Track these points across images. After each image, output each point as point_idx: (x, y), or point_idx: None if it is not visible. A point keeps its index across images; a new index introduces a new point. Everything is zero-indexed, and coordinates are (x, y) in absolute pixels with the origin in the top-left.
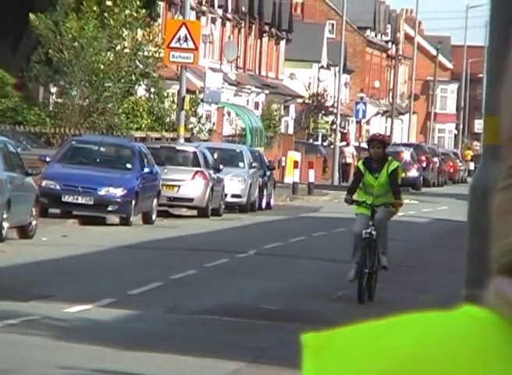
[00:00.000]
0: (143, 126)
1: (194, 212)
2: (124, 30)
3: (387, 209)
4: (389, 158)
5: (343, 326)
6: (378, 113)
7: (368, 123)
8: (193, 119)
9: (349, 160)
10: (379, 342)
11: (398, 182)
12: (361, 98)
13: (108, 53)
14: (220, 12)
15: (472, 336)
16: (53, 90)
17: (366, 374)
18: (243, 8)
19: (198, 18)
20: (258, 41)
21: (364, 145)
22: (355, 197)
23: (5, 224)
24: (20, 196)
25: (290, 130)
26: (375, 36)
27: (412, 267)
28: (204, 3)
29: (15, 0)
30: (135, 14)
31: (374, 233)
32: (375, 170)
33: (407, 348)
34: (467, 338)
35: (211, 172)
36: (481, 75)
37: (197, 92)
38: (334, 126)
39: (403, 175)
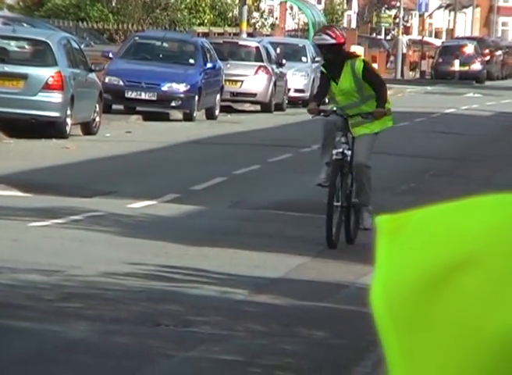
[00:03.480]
0: (205, 21)
1: (257, 107)
2: None
3: (367, 141)
4: (349, 59)
5: (416, 209)
6: (441, 6)
7: (430, 16)
8: (255, 14)
9: (404, 50)
10: (454, 223)
11: (379, 82)
12: None
13: None
14: None
15: None
16: None
17: (440, 255)
18: None
19: None
20: None
21: (428, 39)
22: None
23: (69, 120)
24: (84, 92)
25: (353, 25)
26: None
27: (476, 160)
28: None
29: None
30: None
31: (348, 153)
32: (336, 76)
33: (482, 228)
34: None
35: (274, 67)
36: None
37: None
38: (397, 20)
39: (467, 68)
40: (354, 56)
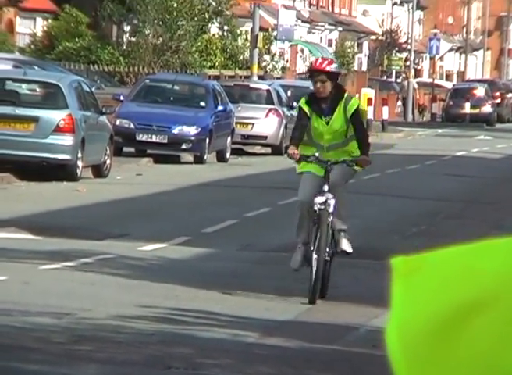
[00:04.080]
0: (216, 64)
1: (268, 150)
2: None
3: (347, 168)
4: (346, 94)
5: (431, 251)
6: (451, 49)
7: (441, 59)
8: (266, 57)
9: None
10: (467, 265)
11: (364, 127)
12: (435, 34)
13: None
14: None
15: None
16: (126, 28)
17: (454, 297)
18: None
19: None
20: None
21: (439, 82)
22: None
23: (80, 163)
24: (95, 135)
25: (364, 67)
26: None
27: (487, 203)
28: None
29: None
30: None
31: (331, 202)
32: (325, 112)
33: (495, 270)
34: None
35: (285, 109)
36: None
37: (270, 30)
38: (408, 63)
39: (478, 110)
40: (345, 93)
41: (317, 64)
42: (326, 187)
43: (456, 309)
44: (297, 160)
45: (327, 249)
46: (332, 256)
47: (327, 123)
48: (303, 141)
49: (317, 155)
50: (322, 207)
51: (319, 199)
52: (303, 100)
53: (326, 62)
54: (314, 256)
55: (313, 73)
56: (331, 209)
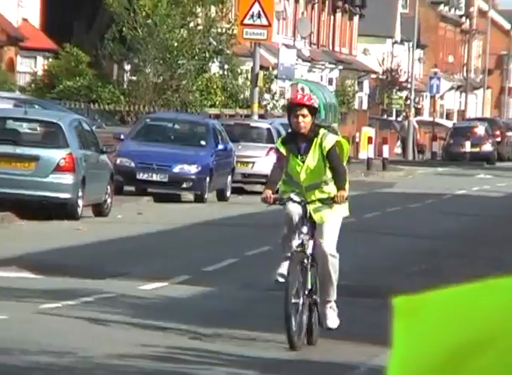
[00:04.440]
0: (217, 103)
1: None
2: (197, 6)
3: (332, 226)
4: (321, 130)
5: (432, 291)
6: (452, 88)
7: (442, 97)
8: (266, 96)
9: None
10: (469, 305)
11: (341, 163)
12: (435, 72)
13: (182, 30)
14: None
15: None
16: (127, 67)
17: (455, 336)
18: None
19: None
20: (332, 17)
21: (439, 121)
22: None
23: (81, 202)
24: (95, 174)
25: (364, 106)
26: (449, 10)
27: (488, 242)
28: None
29: None
30: None
31: (309, 244)
32: (301, 151)
33: (496, 310)
34: None
35: None
36: None
37: (271, 69)
38: (408, 102)
39: (478, 149)
40: (321, 130)
41: (298, 98)
42: (304, 229)
43: (457, 349)
44: (271, 204)
45: (306, 292)
46: (316, 302)
47: (303, 162)
48: (284, 182)
49: (291, 195)
50: (299, 249)
51: (296, 242)
52: (279, 140)
53: (307, 96)
54: (297, 301)
55: (294, 107)
56: (309, 251)
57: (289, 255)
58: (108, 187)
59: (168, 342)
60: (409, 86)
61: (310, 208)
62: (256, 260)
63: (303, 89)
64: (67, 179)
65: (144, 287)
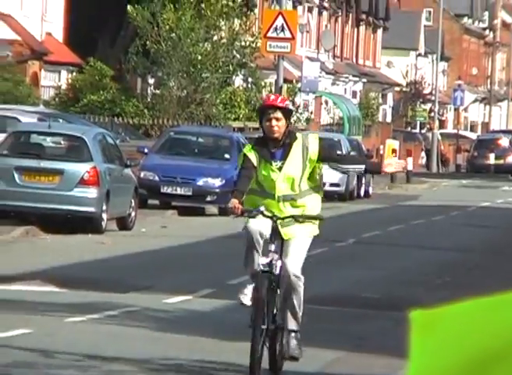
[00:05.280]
0: (241, 116)
1: None
2: (221, 20)
3: (300, 244)
4: (298, 134)
5: (450, 304)
6: (476, 100)
7: (465, 110)
8: None
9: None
10: (488, 319)
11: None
12: (459, 85)
13: (206, 43)
14: (317, 1)
15: None
16: (151, 81)
17: (472, 350)
18: None
19: (295, 7)
20: (355, 30)
21: (463, 133)
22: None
23: (105, 216)
24: (119, 187)
25: (388, 119)
26: (472, 23)
27: (511, 254)
28: None
29: None
30: (231, 4)
31: (276, 263)
32: (276, 157)
33: None
34: None
35: None
36: None
37: (295, 81)
38: (432, 114)
39: (502, 161)
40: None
41: (271, 99)
42: (273, 247)
43: (473, 362)
44: (238, 215)
45: (271, 317)
46: (281, 328)
47: (279, 169)
48: (253, 192)
49: (262, 209)
50: (266, 269)
51: (263, 260)
52: (248, 146)
53: (281, 98)
54: (262, 327)
55: (266, 109)
56: (277, 271)
57: (254, 273)
58: (133, 201)
59: (193, 356)
60: (433, 98)
61: (279, 223)
62: None
63: (327, 102)
64: (91, 193)
65: (168, 300)
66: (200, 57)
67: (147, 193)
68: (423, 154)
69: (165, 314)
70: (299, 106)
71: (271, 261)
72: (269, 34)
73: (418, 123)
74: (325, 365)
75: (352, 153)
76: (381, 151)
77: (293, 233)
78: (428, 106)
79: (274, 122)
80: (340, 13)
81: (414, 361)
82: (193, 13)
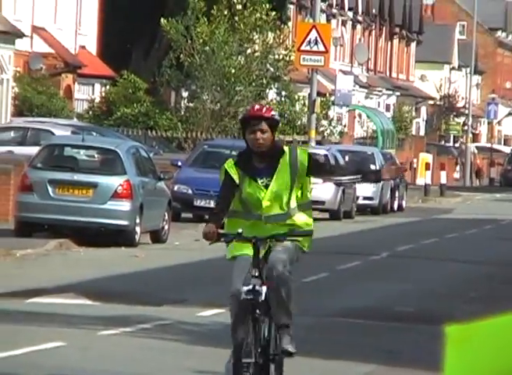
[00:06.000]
0: None
1: (326, 215)
2: (254, 33)
3: (287, 247)
4: (285, 147)
5: (484, 319)
6: (509, 114)
7: (499, 123)
8: (324, 122)
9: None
10: None
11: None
12: (493, 98)
13: (239, 57)
14: (350, 14)
15: None
16: (184, 94)
17: (508, 365)
18: (374, 11)
19: (329, 21)
20: (389, 43)
21: (497, 146)
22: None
23: (138, 229)
24: (153, 201)
25: (422, 132)
26: (506, 37)
27: None
28: (334, 6)
29: (147, 6)
30: (265, 17)
31: (261, 290)
32: (262, 173)
33: None
34: None
35: None
36: None
37: (328, 95)
38: (465, 128)
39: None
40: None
41: (255, 109)
42: (256, 272)
43: None
44: (214, 241)
45: (259, 350)
46: (273, 359)
47: (266, 187)
48: (236, 214)
49: (239, 231)
50: (250, 297)
51: (246, 287)
52: (230, 162)
53: (266, 108)
54: (248, 361)
55: (250, 121)
56: (262, 298)
57: (243, 337)
58: (166, 214)
59: None
60: (466, 112)
61: (264, 245)
62: (314, 286)
63: (360, 115)
64: (125, 206)
65: (202, 313)
66: (233, 70)
67: (181, 206)
68: (458, 168)
69: (198, 327)
70: (332, 119)
71: (254, 287)
72: (303, 48)
73: (452, 136)
74: None
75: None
76: (414, 165)
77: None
78: (461, 120)
79: (259, 134)
80: (374, 27)
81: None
82: (226, 27)
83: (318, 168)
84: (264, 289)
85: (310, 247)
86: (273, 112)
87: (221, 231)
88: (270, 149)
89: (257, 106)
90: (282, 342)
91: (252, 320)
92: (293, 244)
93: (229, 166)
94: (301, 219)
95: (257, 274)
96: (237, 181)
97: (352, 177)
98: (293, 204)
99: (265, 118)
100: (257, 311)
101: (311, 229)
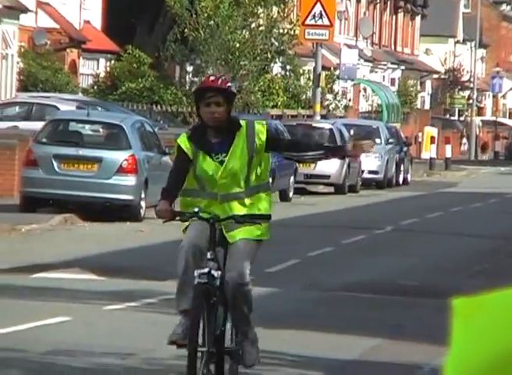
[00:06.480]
0: (279, 103)
1: (331, 189)
2: (259, 7)
3: (246, 248)
4: (242, 121)
5: (491, 292)
6: None
7: (504, 97)
8: (329, 96)
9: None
10: None
11: (289, 140)
12: (497, 72)
13: (244, 31)
14: None
15: None
16: (189, 69)
17: None
18: None
19: None
20: (394, 17)
21: (502, 120)
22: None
23: (143, 204)
24: (158, 175)
25: (427, 106)
26: (511, 10)
27: None
28: None
29: None
30: None
31: (217, 274)
32: (217, 148)
33: None
34: None
35: None
36: None
37: (333, 69)
38: (470, 101)
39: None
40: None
41: (210, 80)
42: (210, 254)
43: None
44: (169, 219)
45: (213, 338)
46: (229, 353)
47: (221, 163)
48: (189, 193)
49: (196, 210)
50: (204, 280)
51: (200, 271)
52: (183, 135)
53: (221, 80)
54: (201, 349)
55: (204, 93)
56: (217, 283)
57: (186, 308)
58: None
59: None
60: (471, 85)
61: (221, 225)
62: (319, 261)
63: (365, 89)
64: (130, 180)
65: None
66: (238, 45)
67: None
68: (465, 140)
69: None
70: (337, 93)
71: (209, 271)
72: (307, 22)
73: (457, 110)
74: (362, 352)
75: (390, 140)
76: (419, 139)
77: (239, 235)
78: (466, 93)
79: (213, 107)
80: (378, 0)
81: (455, 348)
82: (231, 1)
83: (278, 143)
84: (218, 273)
85: (267, 234)
86: (229, 84)
87: (176, 209)
88: (226, 123)
89: (212, 77)
90: (244, 354)
91: (206, 306)
92: (255, 241)
93: (182, 140)
94: (261, 201)
95: (212, 257)
96: (191, 156)
97: (315, 153)
98: (252, 182)
99: (221, 90)
100: (212, 297)
101: (270, 213)
